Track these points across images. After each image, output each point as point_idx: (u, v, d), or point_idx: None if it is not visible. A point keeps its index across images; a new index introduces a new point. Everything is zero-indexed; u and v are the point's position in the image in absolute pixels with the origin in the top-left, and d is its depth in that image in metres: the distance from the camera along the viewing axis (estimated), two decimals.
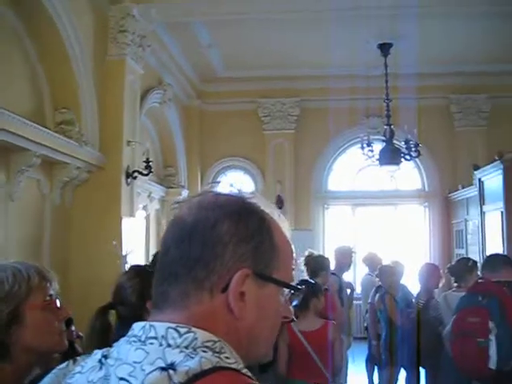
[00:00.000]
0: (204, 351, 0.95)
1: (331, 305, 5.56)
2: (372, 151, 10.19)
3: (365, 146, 10.14)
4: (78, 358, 1.13)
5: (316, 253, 6.28)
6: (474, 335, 3.57)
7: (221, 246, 1.02)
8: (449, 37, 9.92)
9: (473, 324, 3.60)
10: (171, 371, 0.90)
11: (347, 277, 7.71)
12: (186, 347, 0.95)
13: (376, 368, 8.18)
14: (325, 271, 5.96)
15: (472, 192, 10.23)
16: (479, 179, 9.53)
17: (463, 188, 10.92)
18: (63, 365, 1.14)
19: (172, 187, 11.45)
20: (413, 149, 9.99)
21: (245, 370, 0.96)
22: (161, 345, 0.96)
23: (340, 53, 10.27)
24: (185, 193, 11.77)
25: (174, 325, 0.98)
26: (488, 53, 10.63)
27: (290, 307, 1.15)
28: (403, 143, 10.16)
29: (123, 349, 1.00)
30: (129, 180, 7.87)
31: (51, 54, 6.73)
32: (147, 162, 8.30)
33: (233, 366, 0.95)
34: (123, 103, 7.81)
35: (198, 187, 12.51)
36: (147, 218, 10.42)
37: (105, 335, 2.49)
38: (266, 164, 12.58)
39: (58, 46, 6.70)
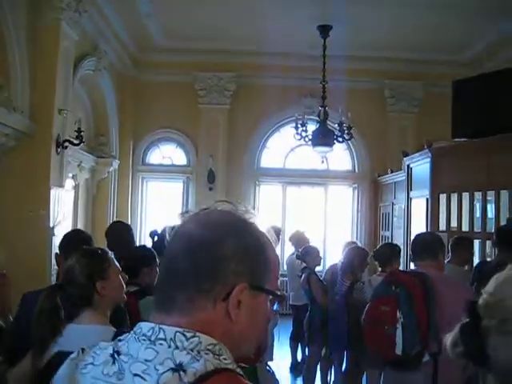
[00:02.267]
0: (207, 353, 1.11)
1: None
2: (306, 131, 10.28)
3: (299, 125, 10.22)
4: (85, 347, 1.27)
5: None
6: (383, 323, 3.73)
7: (225, 262, 1.18)
8: (387, 23, 10.06)
9: (383, 312, 3.76)
10: (182, 372, 1.06)
11: None
12: (192, 350, 1.11)
13: (300, 345, 8.40)
14: None
15: (400, 177, 10.50)
16: (408, 165, 9.78)
17: (392, 172, 11.19)
18: (74, 354, 1.27)
19: (103, 157, 11.26)
20: (346, 131, 10.14)
21: (238, 370, 1.13)
22: (169, 346, 1.11)
23: (278, 30, 10.26)
24: (115, 163, 11.59)
25: (181, 329, 1.13)
26: (424, 41, 10.85)
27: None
28: (337, 125, 10.29)
29: (133, 346, 1.15)
30: (59, 149, 7.69)
31: None
32: (79, 131, 8.13)
33: (229, 366, 1.12)
34: (56, 70, 7.58)
35: (129, 158, 12.34)
36: (76, 187, 10.22)
37: (54, 315, 2.53)
38: (199, 138, 12.51)
39: None
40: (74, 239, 3.84)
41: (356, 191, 13.05)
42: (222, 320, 1.17)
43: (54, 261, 7.22)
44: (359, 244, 8.61)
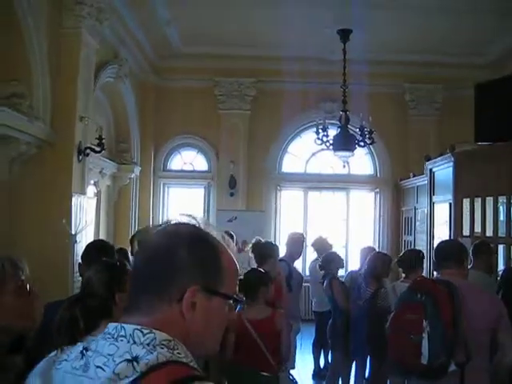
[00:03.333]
0: (161, 348, 1.23)
1: (279, 292, 5.59)
2: (327, 136, 10.23)
3: (320, 130, 10.17)
4: (65, 347, 1.40)
5: (263, 240, 6.28)
6: (409, 331, 3.67)
7: (178, 268, 1.31)
8: (406, 27, 10.01)
9: (409, 321, 3.70)
10: (135, 363, 1.19)
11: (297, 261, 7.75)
12: (148, 344, 1.23)
13: (323, 352, 8.35)
14: (273, 258, 5.98)
15: (422, 181, 10.40)
16: (430, 169, 9.68)
17: (414, 176, 11.09)
18: (53, 353, 1.41)
19: (124, 163, 11.31)
20: (367, 135, 10.08)
21: (192, 363, 1.25)
22: (128, 342, 1.24)
23: (298, 35, 10.25)
24: (137, 170, 11.63)
25: (139, 327, 1.26)
26: (444, 44, 10.77)
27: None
28: (358, 129, 10.24)
29: (100, 343, 1.28)
30: (80, 157, 7.73)
31: (1, 22, 6.48)
32: (100, 138, 8.16)
33: (183, 360, 1.24)
34: (77, 78, 7.63)
35: (150, 164, 12.39)
36: (98, 194, 10.27)
37: (73, 327, 2.53)
38: (220, 143, 12.51)
39: (8, 14, 6.47)
40: (96, 249, 3.86)
41: (378, 196, 12.96)
42: (178, 320, 1.30)
43: (76, 269, 7.30)
44: (376, 248, 8.56)
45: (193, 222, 1.41)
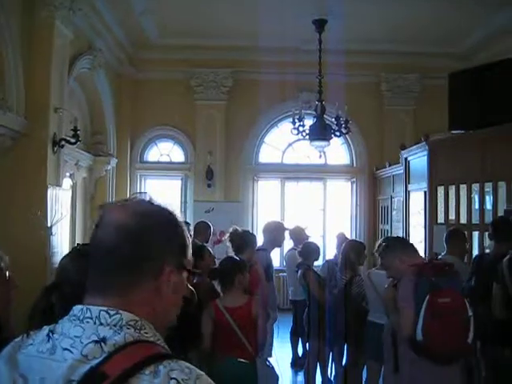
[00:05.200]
0: (128, 328, 1.26)
1: (256, 281, 5.61)
2: (303, 126, 10.26)
3: (296, 120, 10.19)
4: (31, 332, 1.39)
5: (240, 229, 6.29)
6: (454, 314, 3.71)
7: (159, 248, 1.35)
8: (382, 16, 10.05)
9: (447, 303, 3.74)
10: (102, 344, 1.21)
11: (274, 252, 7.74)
12: (115, 325, 1.25)
13: (300, 340, 8.40)
14: (250, 247, 5.99)
15: (398, 170, 10.50)
16: (405, 158, 9.78)
17: (390, 166, 11.18)
18: (19, 338, 1.40)
19: (100, 155, 11.22)
20: (343, 125, 10.12)
21: (160, 342, 1.29)
22: (95, 323, 1.26)
23: (274, 26, 10.21)
24: (113, 162, 11.56)
25: (105, 308, 1.28)
26: (420, 34, 10.85)
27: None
28: (334, 119, 10.27)
29: (66, 326, 1.29)
30: (55, 148, 7.67)
31: None
32: (75, 130, 8.11)
33: (150, 339, 1.27)
34: (51, 69, 7.56)
35: (127, 156, 12.32)
36: (74, 186, 10.20)
37: (47, 315, 2.52)
38: (196, 134, 12.48)
39: None
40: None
41: (354, 185, 13.04)
42: (149, 299, 1.33)
43: (53, 260, 7.26)
44: (348, 236, 8.61)
45: (147, 198, 1.42)
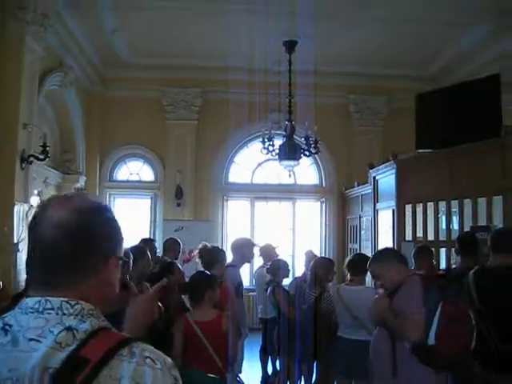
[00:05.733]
0: (89, 317, 1.33)
1: (226, 297, 5.59)
2: (273, 145, 10.33)
3: (266, 140, 10.26)
4: None
5: (209, 245, 6.27)
6: (463, 321, 3.80)
7: (97, 241, 1.42)
8: (352, 39, 10.25)
9: (457, 311, 3.84)
10: (75, 331, 1.27)
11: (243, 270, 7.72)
12: (77, 315, 1.32)
13: (270, 359, 8.37)
14: (220, 263, 5.97)
15: (367, 190, 10.62)
16: (374, 177, 9.90)
17: (358, 185, 11.30)
18: None
19: (69, 173, 11.14)
20: (312, 145, 10.22)
21: (111, 326, 1.38)
22: (57, 314, 1.31)
23: (244, 46, 10.29)
24: (82, 180, 11.48)
25: (66, 299, 1.33)
26: (389, 57, 11.08)
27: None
28: (303, 139, 10.37)
29: (22, 318, 1.32)
30: (23, 164, 7.60)
31: None
32: (44, 146, 8.05)
33: (108, 326, 1.36)
34: (21, 84, 7.54)
35: (96, 174, 12.24)
36: None
37: None
38: (167, 153, 12.47)
39: None
40: None
41: (324, 205, 13.13)
42: (97, 288, 1.41)
43: (18, 278, 7.15)
44: (316, 253, 8.66)
45: (82, 192, 1.52)
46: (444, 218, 8.34)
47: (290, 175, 10.97)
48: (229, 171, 13.11)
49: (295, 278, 7.91)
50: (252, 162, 13.19)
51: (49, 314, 1.31)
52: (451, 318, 3.87)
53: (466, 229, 7.54)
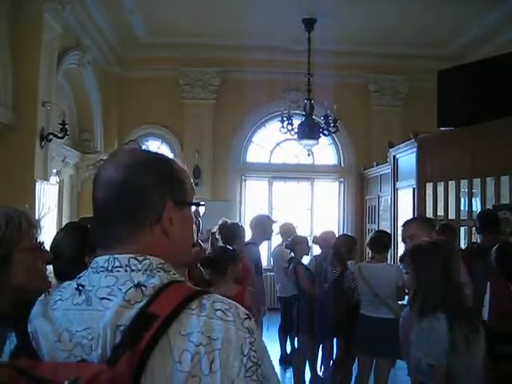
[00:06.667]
0: (159, 271, 1.31)
1: (246, 274, 5.58)
2: (292, 125, 10.27)
3: (285, 119, 10.20)
4: (51, 290, 1.42)
5: (230, 221, 6.26)
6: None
7: (148, 192, 1.36)
8: (372, 17, 10.08)
9: (503, 284, 3.87)
10: (143, 287, 1.26)
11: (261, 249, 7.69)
12: (146, 270, 1.30)
13: (288, 337, 8.37)
14: (239, 239, 5.96)
15: (386, 169, 10.53)
16: (394, 156, 9.80)
17: (377, 165, 11.21)
18: (42, 296, 1.41)
19: (88, 152, 11.12)
20: (331, 124, 10.14)
21: (184, 279, 1.35)
22: (126, 271, 1.30)
23: (263, 24, 10.22)
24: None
25: (133, 255, 1.32)
26: (409, 35, 10.91)
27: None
28: (322, 118, 10.29)
29: (93, 278, 1.32)
30: (43, 142, 7.61)
31: None
32: (63, 124, 8.05)
33: (179, 279, 1.33)
34: (39, 62, 7.52)
35: None
36: (61, 183, 10.11)
37: None
38: (184, 133, 12.44)
39: None
40: None
41: (342, 185, 13.06)
42: (160, 240, 1.37)
43: None
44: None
45: (136, 146, 1.52)
46: (466, 196, 8.24)
47: (308, 154, 10.91)
48: (247, 151, 13.06)
49: (314, 256, 7.87)
50: (270, 141, 13.12)
51: (118, 271, 1.31)
52: (502, 291, 3.86)
53: (488, 207, 7.45)
